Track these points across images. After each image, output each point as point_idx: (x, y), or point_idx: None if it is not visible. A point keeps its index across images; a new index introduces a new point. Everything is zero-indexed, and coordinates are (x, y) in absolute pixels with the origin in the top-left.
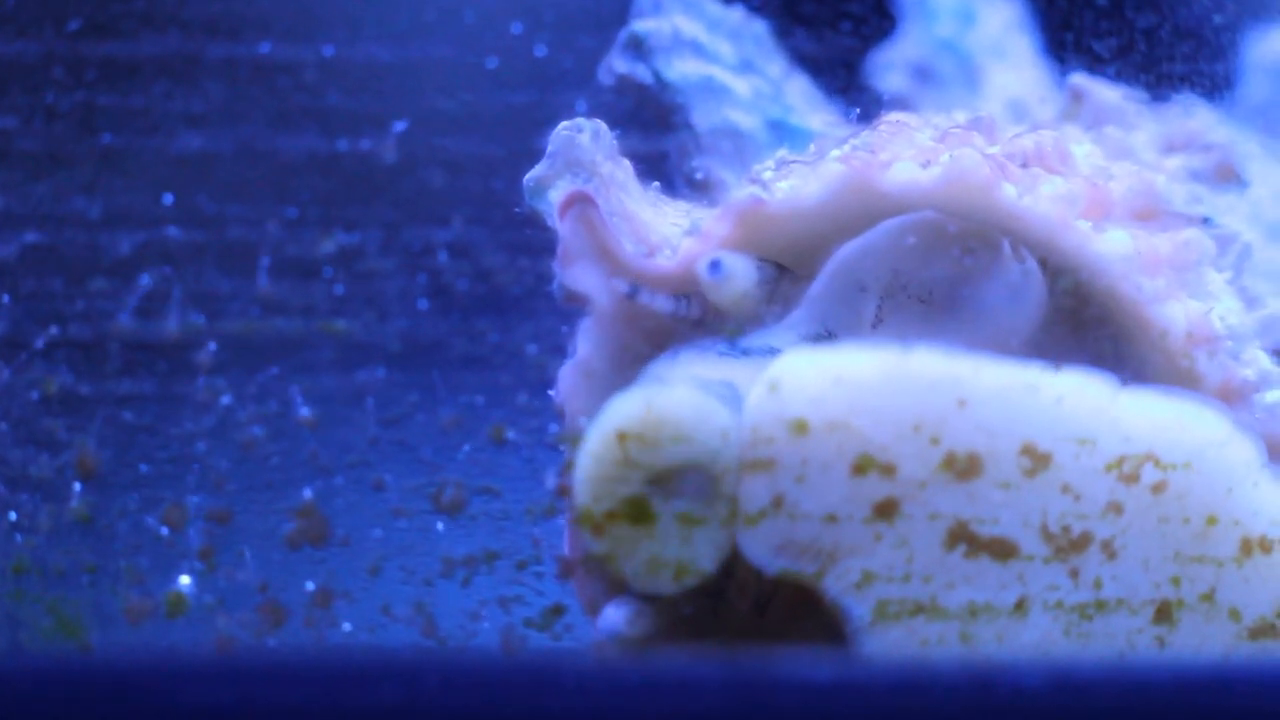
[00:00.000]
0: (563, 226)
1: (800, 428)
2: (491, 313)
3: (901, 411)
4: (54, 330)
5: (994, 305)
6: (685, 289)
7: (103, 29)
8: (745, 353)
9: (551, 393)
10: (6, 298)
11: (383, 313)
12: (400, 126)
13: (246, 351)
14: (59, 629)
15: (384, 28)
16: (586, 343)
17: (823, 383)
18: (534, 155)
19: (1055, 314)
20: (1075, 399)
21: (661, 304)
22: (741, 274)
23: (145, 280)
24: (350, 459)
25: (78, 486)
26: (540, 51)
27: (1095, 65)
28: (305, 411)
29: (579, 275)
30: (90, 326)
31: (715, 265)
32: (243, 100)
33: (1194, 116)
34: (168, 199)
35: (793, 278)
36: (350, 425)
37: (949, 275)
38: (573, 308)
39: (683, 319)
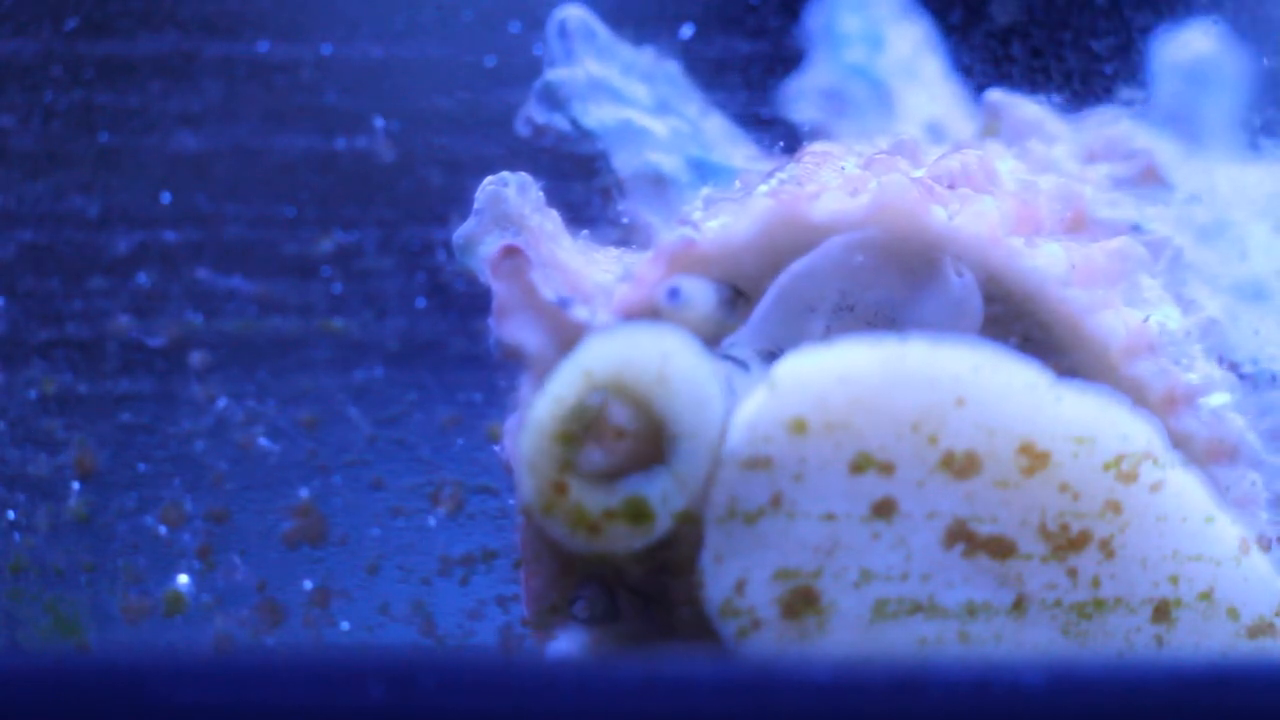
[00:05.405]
0: (495, 283)
1: (799, 427)
2: (490, 311)
3: (900, 410)
4: (52, 330)
5: (936, 322)
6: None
7: (100, 28)
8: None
9: (498, 450)
10: (4, 297)
11: (381, 311)
12: (397, 125)
13: (244, 350)
14: (57, 628)
15: (381, 26)
16: (528, 397)
17: (824, 382)
18: (532, 154)
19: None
20: (1074, 398)
21: None
22: (701, 298)
23: (143, 279)
24: (348, 458)
25: (76, 486)
26: (538, 50)
27: (1008, 80)
28: (303, 411)
29: (515, 330)
30: (88, 326)
31: (674, 292)
32: (240, 99)
33: (1114, 124)
34: (166, 198)
35: (748, 299)
36: (348, 424)
37: (894, 295)
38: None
39: None
